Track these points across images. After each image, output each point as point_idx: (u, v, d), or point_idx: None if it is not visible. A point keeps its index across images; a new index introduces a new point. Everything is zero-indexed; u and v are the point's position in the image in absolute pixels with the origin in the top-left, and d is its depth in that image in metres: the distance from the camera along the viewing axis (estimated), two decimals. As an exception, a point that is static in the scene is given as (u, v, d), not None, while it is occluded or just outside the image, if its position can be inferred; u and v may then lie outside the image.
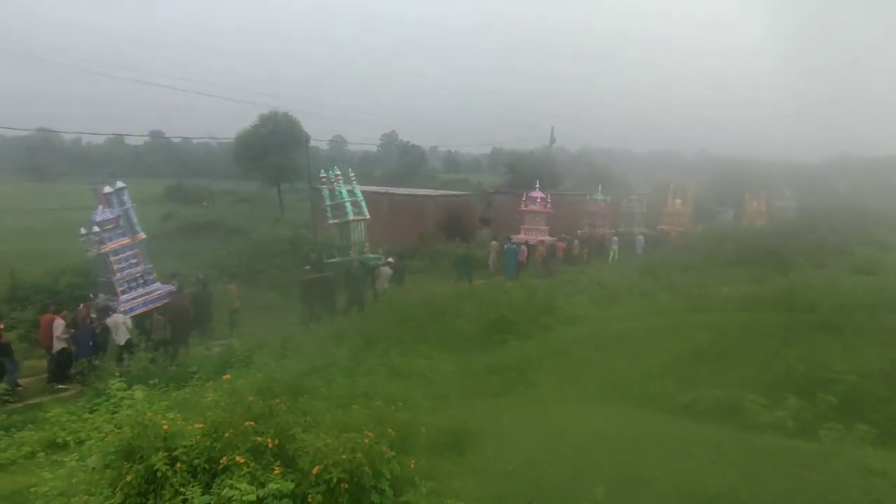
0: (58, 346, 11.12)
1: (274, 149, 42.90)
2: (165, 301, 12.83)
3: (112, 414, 6.70)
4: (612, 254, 26.68)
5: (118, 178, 13.79)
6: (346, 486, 3.59)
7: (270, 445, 3.89)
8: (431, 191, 35.85)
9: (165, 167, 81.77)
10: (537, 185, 27.75)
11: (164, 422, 4.04)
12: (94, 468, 4.02)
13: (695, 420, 5.70)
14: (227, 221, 34.01)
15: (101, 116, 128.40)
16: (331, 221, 18.88)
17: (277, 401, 4.51)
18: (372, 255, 18.12)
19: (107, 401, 7.45)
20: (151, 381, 7.86)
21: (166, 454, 3.77)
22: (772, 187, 41.32)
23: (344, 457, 3.62)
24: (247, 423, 3.94)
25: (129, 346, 11.68)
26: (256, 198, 49.40)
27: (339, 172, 19.01)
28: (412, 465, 4.03)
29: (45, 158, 75.65)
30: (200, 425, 3.99)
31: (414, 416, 5.07)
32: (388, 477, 3.78)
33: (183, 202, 46.19)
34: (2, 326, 10.96)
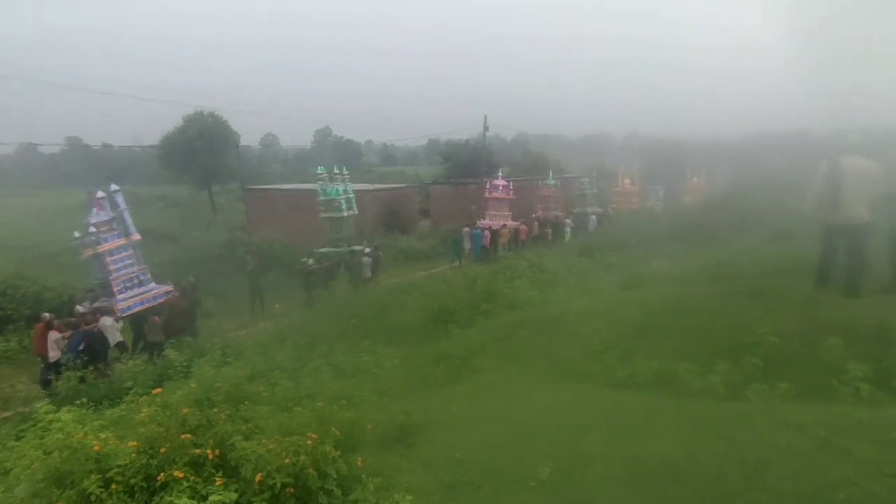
0: (53, 355, 10.94)
1: (202, 150, 41.33)
2: (160, 301, 13.14)
3: (40, 439, 6.33)
4: (566, 234, 28.31)
5: (113, 181, 14.13)
6: (292, 490, 3.53)
7: (210, 456, 3.78)
8: (368, 185, 35.49)
9: (85, 175, 77.49)
10: (499, 174, 29.87)
11: (95, 443, 3.84)
12: (21, 499, 3.80)
13: (634, 392, 5.91)
14: (156, 228, 32.59)
15: (7, 124, 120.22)
16: (323, 215, 20.82)
17: (217, 410, 4.38)
18: (357, 247, 20.21)
19: (34, 425, 7.01)
20: (82, 401, 7.46)
21: (99, 476, 3.60)
22: (700, 164, 43.31)
23: (287, 461, 3.56)
24: (184, 436, 3.81)
25: (121, 348, 11.78)
26: (187, 202, 47.54)
27: (337, 171, 21.22)
28: (359, 463, 4.01)
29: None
30: (134, 443, 3.83)
31: (359, 413, 5.03)
32: (335, 477, 3.74)
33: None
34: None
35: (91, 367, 9.74)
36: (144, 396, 5.99)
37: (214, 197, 44.59)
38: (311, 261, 18.60)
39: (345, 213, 20.71)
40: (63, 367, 10.25)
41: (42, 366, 11.30)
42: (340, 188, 21.05)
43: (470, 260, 23.67)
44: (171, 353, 9.57)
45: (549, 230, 28.06)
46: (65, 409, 6.35)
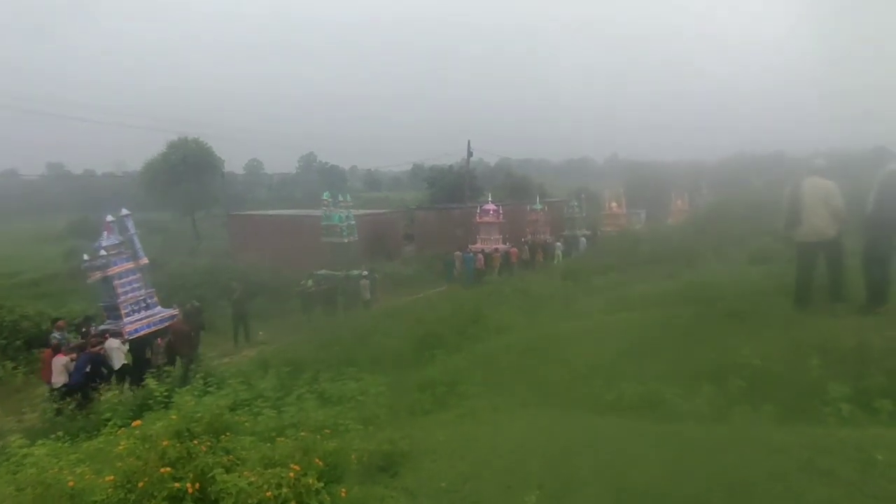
0: (58, 380, 11.08)
1: (185, 176, 41.12)
2: (166, 325, 13.42)
3: (13, 474, 6.15)
4: (556, 257, 28.96)
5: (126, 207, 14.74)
6: (274, 523, 3.46)
7: (190, 490, 3.70)
8: (353, 210, 35.50)
9: (67, 201, 76.65)
10: (489, 198, 30.67)
11: (70, 478, 3.75)
12: (-8, 539, 3.69)
13: (620, 416, 5.89)
14: (138, 255, 32.24)
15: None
16: (324, 240, 22.09)
17: (197, 441, 4.29)
18: (355, 271, 21.08)
19: (7, 460, 6.81)
20: (58, 434, 7.26)
21: (74, 513, 3.51)
22: (680, 187, 44.00)
23: (269, 493, 3.49)
24: (162, 470, 3.72)
25: (123, 372, 11.85)
26: (170, 228, 47.13)
27: (341, 199, 23.00)
28: (343, 494, 3.94)
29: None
30: (111, 477, 3.74)
31: (343, 442, 4.96)
32: (318, 509, 3.68)
33: (90, 237, 43.38)
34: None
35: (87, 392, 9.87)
36: (123, 428, 5.85)
37: (198, 223, 44.24)
38: (310, 283, 19.33)
39: (345, 239, 21.78)
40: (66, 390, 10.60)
41: (49, 392, 11.30)
42: (343, 214, 22.26)
43: (461, 283, 24.01)
44: (151, 382, 9.39)
45: (540, 253, 28.97)
46: (39, 442, 6.17)
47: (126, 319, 12.91)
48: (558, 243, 30.99)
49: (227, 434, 5.07)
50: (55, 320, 13.91)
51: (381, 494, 4.32)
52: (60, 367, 11.08)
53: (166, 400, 9.08)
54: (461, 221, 33.41)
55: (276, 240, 29.29)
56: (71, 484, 3.65)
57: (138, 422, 5.38)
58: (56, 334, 12.50)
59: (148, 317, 13.38)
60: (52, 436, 7.06)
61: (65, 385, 10.94)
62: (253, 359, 12.55)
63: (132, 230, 13.80)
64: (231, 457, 4.29)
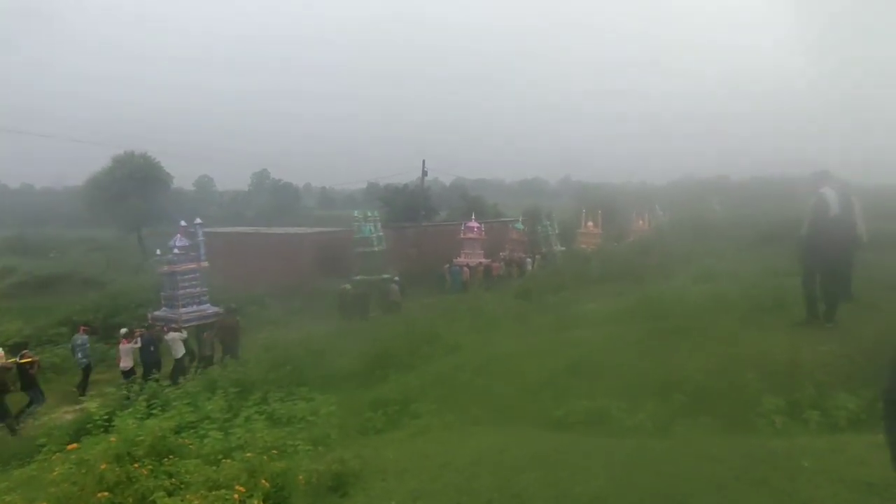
0: (125, 364, 13.32)
1: (132, 192, 39.89)
2: (213, 320, 15.55)
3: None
4: (527, 272, 31.58)
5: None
6: (217, 547, 3.38)
7: (129, 515, 3.58)
8: (306, 228, 35.07)
9: (2, 216, 73.04)
10: (473, 217, 33.79)
11: (-2, 508, 3.58)
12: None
13: (568, 431, 6.02)
14: (80, 272, 30.96)
15: None
16: (357, 250, 25.63)
17: (138, 465, 4.16)
18: (387, 275, 24.28)
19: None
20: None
21: (2, 543, 3.34)
22: (631, 208, 45.39)
23: (213, 516, 3.42)
24: (100, 494, 3.61)
25: (184, 362, 13.94)
26: (115, 245, 45.46)
27: (370, 214, 26.82)
28: (290, 515, 3.88)
29: None
30: (44, 504, 3.59)
31: (292, 463, 4.88)
32: (263, 531, 3.61)
33: (25, 254, 41.39)
34: (37, 359, 12.65)
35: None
36: (59, 454, 5.59)
37: (144, 241, 42.85)
38: (348, 287, 21.82)
39: (376, 248, 25.32)
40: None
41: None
42: (372, 227, 25.80)
43: (451, 293, 26.09)
44: (90, 405, 9.02)
45: (517, 269, 31.74)
46: (-33, 471, 5.85)
47: (182, 310, 15.44)
48: (528, 259, 33.47)
49: (171, 457, 4.92)
50: (80, 325, 15.53)
51: (329, 515, 4.28)
52: (126, 352, 13.34)
53: (106, 423, 8.72)
54: (416, 240, 33.48)
55: (226, 258, 28.56)
56: (-1, 513, 3.48)
57: (75, 445, 5.17)
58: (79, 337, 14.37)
59: (198, 311, 15.82)
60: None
61: (132, 369, 13.04)
62: (200, 380, 12.18)
63: (201, 237, 16.44)
64: (174, 480, 4.17)
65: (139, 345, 13.42)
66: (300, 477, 4.56)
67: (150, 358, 13.30)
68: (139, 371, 12.98)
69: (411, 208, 41.45)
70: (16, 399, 12.31)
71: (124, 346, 13.41)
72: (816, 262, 7.52)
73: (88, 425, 8.69)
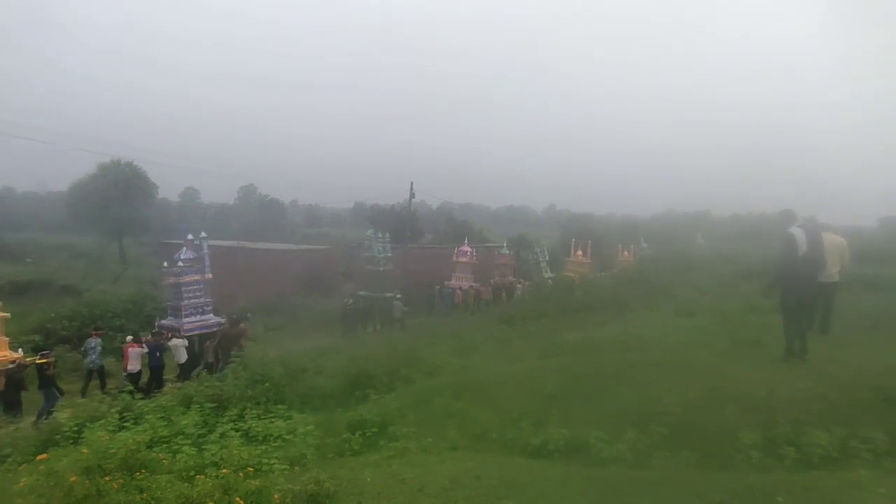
0: (133, 367, 14.10)
1: (116, 200, 39.48)
2: (214, 330, 16.45)
3: None
4: (516, 296, 32.53)
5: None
6: (187, 566, 3.30)
7: (97, 530, 3.49)
8: (291, 245, 34.86)
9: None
10: (465, 241, 35.15)
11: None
12: None
13: (547, 459, 5.99)
14: (58, 279, 30.38)
15: None
16: (366, 267, 26.86)
17: (108, 478, 4.07)
18: (390, 293, 25.55)
19: None
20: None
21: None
22: (615, 239, 45.98)
23: (184, 533, 3.34)
24: (68, 508, 3.51)
25: (188, 366, 15.01)
26: (95, 253, 44.75)
27: (380, 235, 27.90)
28: (263, 535, 3.81)
29: None
30: (9, 516, 3.49)
31: (267, 482, 4.80)
32: (236, 551, 3.53)
33: (1, 259, 40.56)
34: (52, 360, 13.46)
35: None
36: (25, 465, 5.45)
37: (126, 249, 42.31)
38: (350, 301, 23.00)
39: (381, 268, 26.38)
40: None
41: (125, 376, 14.04)
42: (381, 247, 26.90)
43: (440, 315, 27.28)
44: (60, 416, 8.79)
45: (504, 293, 32.50)
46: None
47: (185, 319, 16.13)
48: (518, 284, 34.29)
49: (143, 472, 4.82)
50: (94, 329, 16.32)
51: (303, 536, 4.20)
52: (136, 356, 14.06)
53: (76, 435, 8.50)
54: (401, 262, 33.44)
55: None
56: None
57: (43, 456, 5.04)
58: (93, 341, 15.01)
59: (201, 321, 16.50)
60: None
61: (139, 372, 14.03)
62: (175, 394, 11.96)
63: (206, 250, 17.09)
64: (145, 495, 4.09)
65: (147, 350, 14.38)
66: (275, 496, 4.48)
67: (156, 363, 14.47)
68: (145, 374, 14.25)
69: (398, 230, 41.46)
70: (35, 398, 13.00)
71: (133, 350, 14.14)
72: (791, 299, 7.67)
73: (56, 436, 8.51)
